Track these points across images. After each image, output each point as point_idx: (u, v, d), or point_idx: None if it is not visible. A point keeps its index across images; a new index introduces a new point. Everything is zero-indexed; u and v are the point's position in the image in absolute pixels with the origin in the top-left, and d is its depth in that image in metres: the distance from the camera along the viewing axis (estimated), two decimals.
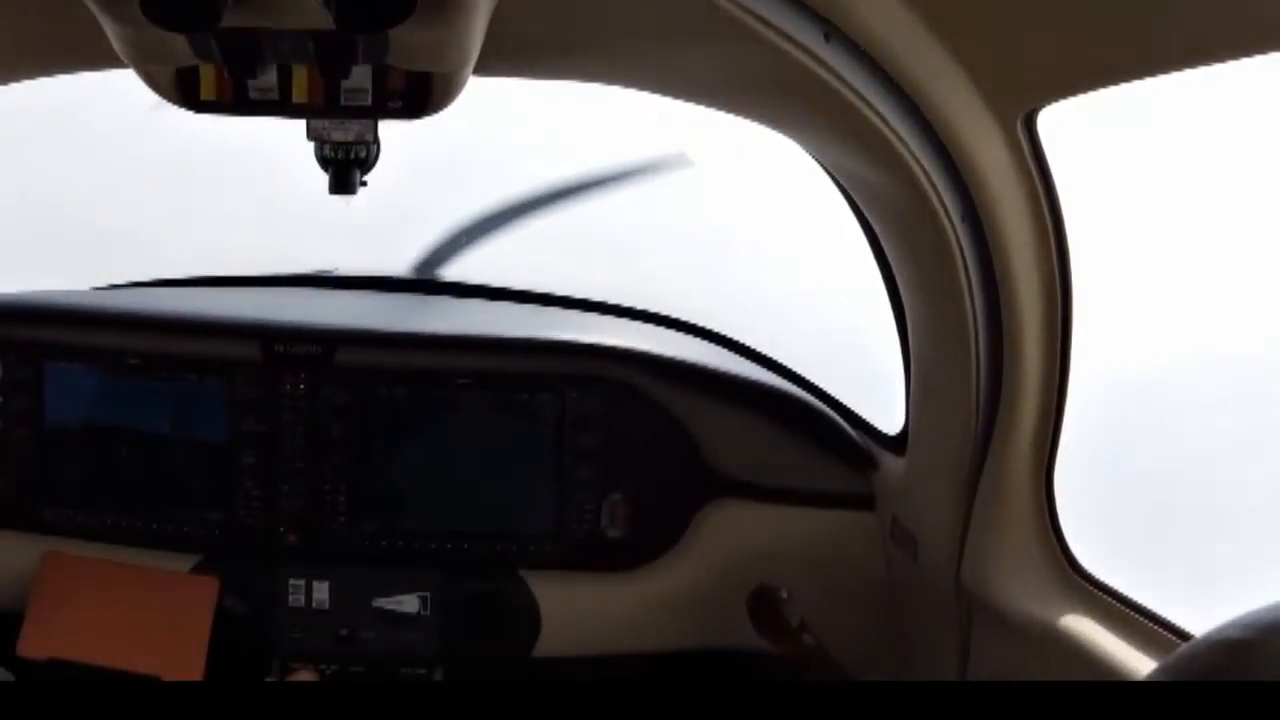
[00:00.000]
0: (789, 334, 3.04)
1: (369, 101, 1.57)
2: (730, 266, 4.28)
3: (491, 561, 2.66)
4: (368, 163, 1.95)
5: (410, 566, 2.65)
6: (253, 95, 1.55)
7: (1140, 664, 1.78)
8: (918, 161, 1.75)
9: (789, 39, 1.53)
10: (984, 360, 1.99)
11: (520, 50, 1.65)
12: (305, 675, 2.59)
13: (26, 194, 4.16)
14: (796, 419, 2.65)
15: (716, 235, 4.37)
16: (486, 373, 2.61)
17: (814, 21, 1.54)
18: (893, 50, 1.59)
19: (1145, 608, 1.90)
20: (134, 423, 2.62)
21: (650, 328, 2.89)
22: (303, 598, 2.62)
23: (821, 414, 2.65)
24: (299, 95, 1.55)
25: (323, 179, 1.97)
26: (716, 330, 2.90)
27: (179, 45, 1.35)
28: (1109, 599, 1.96)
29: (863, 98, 1.64)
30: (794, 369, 2.77)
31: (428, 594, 2.63)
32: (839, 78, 1.61)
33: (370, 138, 1.86)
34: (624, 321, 2.90)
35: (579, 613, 2.69)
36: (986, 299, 1.92)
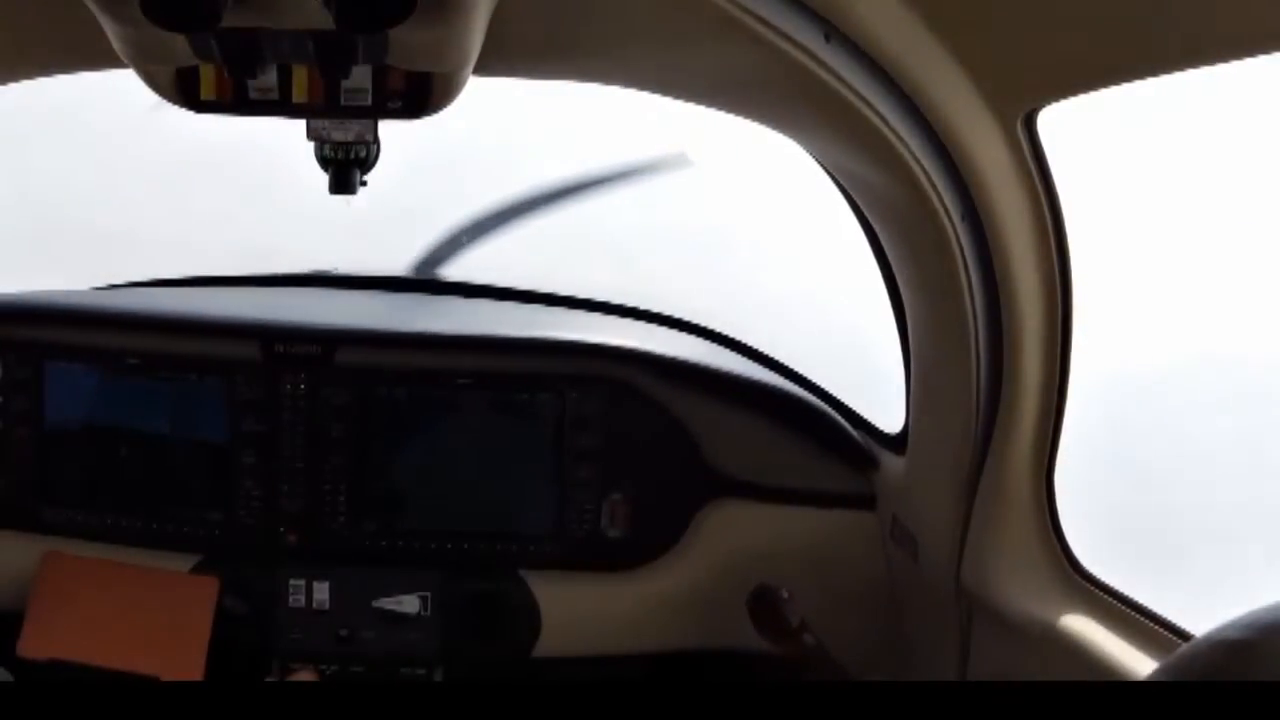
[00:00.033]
0: (789, 334, 3.04)
1: (369, 101, 1.57)
2: (730, 266, 4.28)
3: (491, 561, 2.66)
4: (368, 163, 1.95)
5: (410, 566, 2.64)
6: (253, 95, 1.55)
7: (1140, 664, 1.78)
8: (918, 161, 1.75)
9: (789, 39, 1.53)
10: (984, 360, 1.99)
11: (520, 50, 1.65)
12: (305, 675, 2.59)
13: (26, 194, 4.16)
14: (797, 418, 2.65)
15: (716, 235, 4.37)
16: (486, 373, 2.61)
17: (814, 22, 1.54)
18: (893, 50, 1.59)
19: (1146, 608, 1.90)
20: (134, 423, 2.62)
21: (650, 327, 2.88)
22: (303, 598, 2.62)
23: (822, 413, 2.65)
24: (299, 95, 1.55)
25: (323, 179, 1.97)
26: (717, 330, 2.90)
27: (179, 45, 1.35)
28: (1109, 599, 1.96)
29: (863, 98, 1.64)
30: (794, 368, 2.77)
31: (428, 594, 2.63)
32: (839, 78, 1.61)
33: (370, 138, 1.86)
34: (624, 321, 2.89)
35: (579, 613, 2.69)
36: (986, 299, 1.92)
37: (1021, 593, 2.05)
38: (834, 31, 1.56)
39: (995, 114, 1.67)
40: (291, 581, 2.62)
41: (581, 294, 2.99)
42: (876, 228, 2.15)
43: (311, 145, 1.90)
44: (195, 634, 2.53)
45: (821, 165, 2.16)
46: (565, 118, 3.56)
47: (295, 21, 1.29)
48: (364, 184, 1.99)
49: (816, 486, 2.66)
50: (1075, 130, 1.75)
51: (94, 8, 1.26)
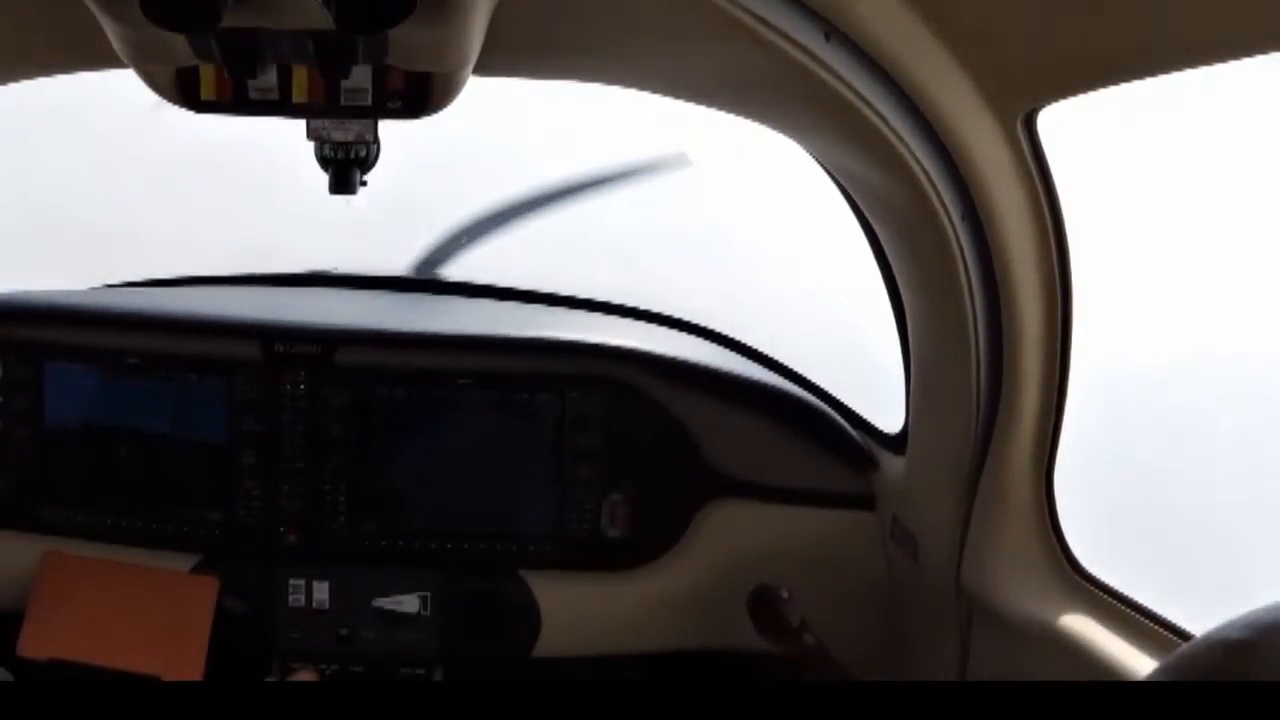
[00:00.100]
0: (789, 334, 3.04)
1: (369, 101, 1.57)
2: (730, 266, 4.28)
3: (491, 561, 2.66)
4: (368, 162, 1.95)
5: (410, 566, 2.65)
6: (253, 95, 1.55)
7: (1140, 664, 1.78)
8: (918, 161, 1.75)
9: (789, 39, 1.53)
10: (984, 360, 1.99)
11: (520, 50, 1.65)
12: (305, 675, 2.59)
13: (26, 194, 4.16)
14: (797, 419, 2.65)
15: (716, 235, 4.37)
16: (486, 372, 2.61)
17: (814, 22, 1.54)
18: (893, 50, 1.59)
19: (1145, 608, 1.90)
20: (134, 423, 2.62)
21: (650, 327, 2.89)
22: (303, 598, 2.62)
23: (822, 413, 2.65)
24: (299, 95, 1.55)
25: (323, 179, 1.97)
26: (717, 330, 2.90)
27: (179, 45, 1.35)
28: (1109, 599, 1.96)
29: (863, 98, 1.64)
30: (794, 369, 2.77)
31: (428, 594, 2.63)
32: (839, 78, 1.61)
33: (370, 137, 1.86)
34: (624, 321, 2.90)
35: (579, 613, 2.69)
36: (986, 299, 1.92)
37: (1021, 593, 2.05)
38: (834, 31, 1.56)
39: (995, 114, 1.67)
40: (291, 581, 2.62)
41: (581, 294, 2.99)
42: (876, 228, 2.15)
43: (311, 145, 1.90)
44: (195, 634, 2.53)
45: (821, 165, 2.16)
46: (565, 118, 3.56)
47: (295, 21, 1.29)
48: (364, 184, 1.99)
49: (816, 486, 2.66)
50: (1075, 130, 1.75)
51: (94, 8, 1.26)
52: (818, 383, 2.72)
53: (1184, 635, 1.80)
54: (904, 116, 1.69)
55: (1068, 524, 2.08)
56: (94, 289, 2.91)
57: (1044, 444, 2.01)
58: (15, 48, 1.68)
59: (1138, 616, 1.89)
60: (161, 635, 2.53)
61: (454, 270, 3.19)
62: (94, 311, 2.64)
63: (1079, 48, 1.47)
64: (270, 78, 1.53)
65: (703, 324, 2.91)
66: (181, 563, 2.62)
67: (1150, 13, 1.35)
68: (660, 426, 2.65)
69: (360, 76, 1.54)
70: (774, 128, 1.96)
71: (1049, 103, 1.63)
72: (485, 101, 1.86)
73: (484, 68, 1.58)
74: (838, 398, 2.69)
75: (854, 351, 2.96)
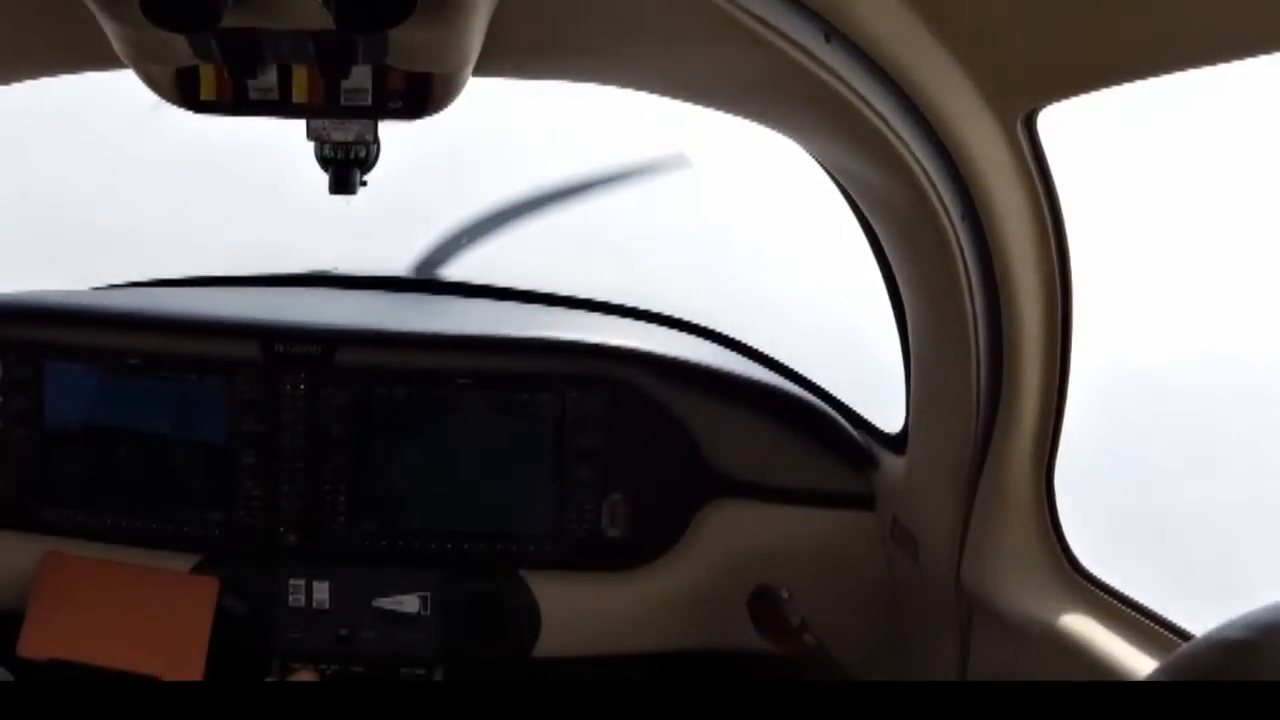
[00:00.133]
0: (789, 334, 3.04)
1: (369, 101, 1.57)
2: (730, 266, 4.29)
3: (491, 561, 2.66)
4: (368, 162, 1.95)
5: (410, 566, 2.64)
6: (253, 95, 1.55)
7: (1141, 664, 1.78)
8: (918, 161, 1.75)
9: (789, 40, 1.53)
10: (984, 360, 1.99)
11: (520, 50, 1.65)
12: (305, 675, 2.59)
13: (26, 194, 4.16)
14: (797, 418, 2.65)
15: (716, 235, 4.37)
16: (486, 373, 2.61)
17: (814, 22, 1.54)
18: (893, 50, 1.59)
19: (1146, 607, 1.90)
20: (134, 423, 2.62)
21: (651, 328, 2.88)
22: (303, 598, 2.62)
23: (822, 413, 2.65)
24: (299, 95, 1.55)
25: (323, 179, 1.96)
26: (717, 330, 2.90)
27: (179, 45, 1.35)
28: (1109, 599, 1.96)
29: (863, 98, 1.64)
30: (794, 368, 2.77)
31: (428, 594, 2.63)
32: (839, 78, 1.60)
33: (370, 137, 1.86)
34: (624, 321, 2.90)
35: (579, 613, 2.69)
36: (986, 299, 1.92)
37: (1021, 593, 2.05)
38: (834, 32, 1.56)
39: (995, 114, 1.67)
40: (291, 581, 2.62)
41: (581, 294, 2.99)
42: (876, 228, 2.15)
43: (311, 145, 1.90)
44: (195, 634, 2.53)
45: (821, 165, 2.16)
46: (565, 118, 3.56)
47: (295, 21, 1.29)
48: (364, 184, 1.98)
49: (816, 486, 2.66)
50: (1075, 130, 1.75)
51: (94, 8, 1.26)
52: (818, 383, 2.72)
53: (1184, 635, 1.80)
54: (904, 117, 1.69)
55: (1067, 523, 2.08)
56: (94, 289, 2.90)
57: (1044, 444, 2.01)
58: (16, 48, 1.68)
59: (1138, 616, 1.89)
60: (161, 635, 2.53)
61: (454, 270, 3.19)
62: (94, 311, 2.64)
63: (1079, 48, 1.47)
64: (270, 78, 1.53)
65: (703, 324, 2.91)
66: (181, 563, 2.62)
67: (1150, 13, 1.35)
68: (660, 426, 2.65)
69: (360, 77, 1.54)
70: (774, 128, 1.96)
71: (1049, 103, 1.63)
72: (485, 101, 1.86)
73: (484, 68, 1.58)
74: (838, 398, 2.69)
75: (854, 351, 2.96)
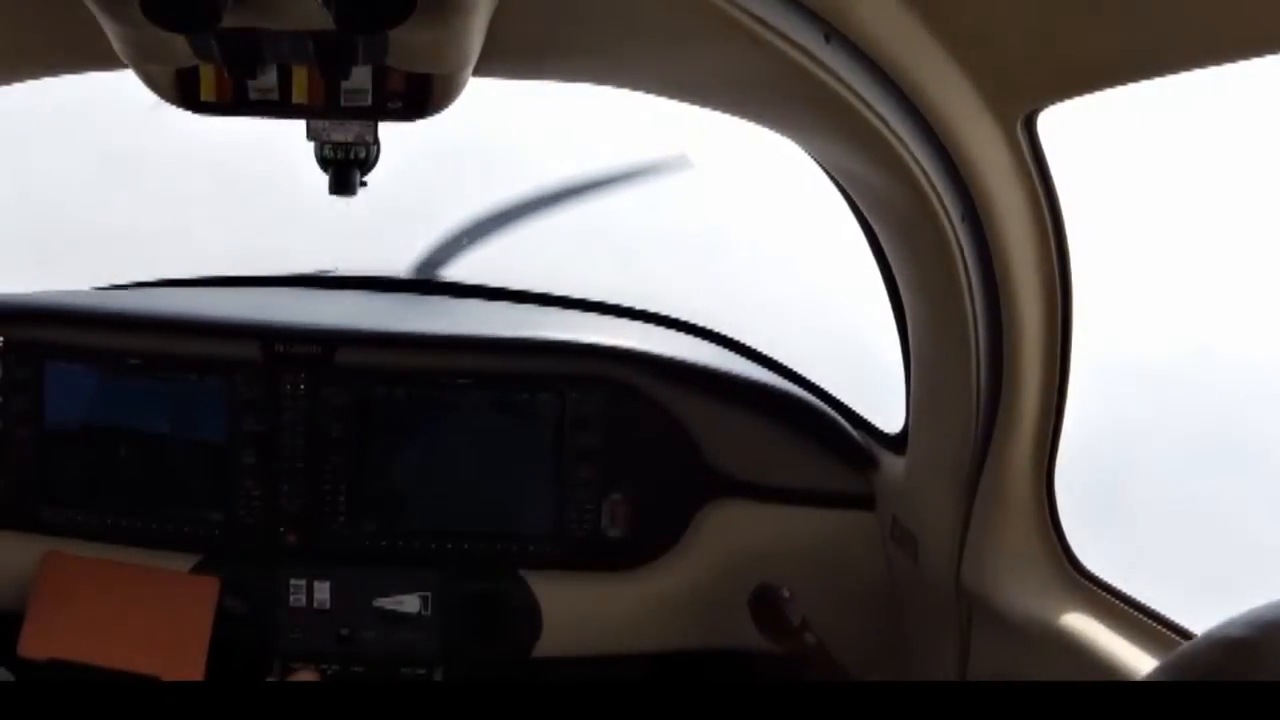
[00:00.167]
0: (789, 334, 3.05)
1: (369, 102, 1.57)
2: (730, 266, 4.29)
3: (492, 561, 2.66)
4: (367, 163, 1.95)
5: (410, 566, 2.64)
6: (253, 96, 1.55)
7: (1141, 663, 1.78)
8: (918, 162, 1.75)
9: (789, 41, 1.53)
10: (984, 360, 1.99)
11: (520, 51, 1.65)
12: (305, 675, 2.59)
13: (26, 194, 4.16)
14: (797, 419, 2.65)
15: (716, 235, 4.37)
16: (486, 373, 2.61)
17: (814, 23, 1.54)
18: (893, 51, 1.59)
19: (1146, 606, 1.90)
20: (134, 423, 2.62)
21: (650, 328, 2.88)
22: (303, 598, 2.62)
23: (822, 413, 2.65)
24: (299, 96, 1.55)
25: (323, 179, 1.97)
26: (716, 330, 2.90)
27: (179, 45, 1.35)
28: (1109, 598, 1.96)
29: (863, 99, 1.64)
30: (794, 369, 2.77)
31: (428, 594, 2.63)
32: (839, 79, 1.60)
33: (370, 138, 1.86)
34: (624, 322, 2.90)
35: (579, 613, 2.69)
36: (986, 299, 1.92)
37: (1021, 592, 2.05)
38: (834, 32, 1.56)
39: (995, 114, 1.67)
40: (292, 581, 2.62)
41: (581, 294, 2.99)
42: (876, 228, 2.15)
43: (311, 146, 1.90)
44: (195, 634, 2.53)
45: (821, 166, 2.16)
46: (565, 118, 3.56)
47: (295, 22, 1.29)
48: (364, 184, 1.99)
49: (816, 486, 2.66)
50: (1075, 130, 1.75)
51: (94, 8, 1.26)
52: (818, 383, 2.72)
53: (1185, 634, 1.80)
54: (904, 117, 1.69)
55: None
56: (94, 289, 2.90)
57: (1044, 444, 2.01)
58: (16, 48, 1.68)
59: (1138, 615, 1.89)
60: (162, 635, 2.53)
61: (454, 271, 3.20)
62: (94, 311, 2.64)
63: (1079, 49, 1.47)
64: (270, 78, 1.53)
65: (703, 324, 2.91)
66: (182, 563, 2.62)
67: (1150, 14, 1.35)
68: (660, 426, 2.65)
69: (360, 77, 1.54)
70: (774, 129, 1.96)
71: (1049, 104, 1.63)
72: (485, 101, 1.86)
73: (484, 68, 1.58)
74: (838, 398, 2.70)
75: (854, 351, 2.96)
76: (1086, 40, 1.45)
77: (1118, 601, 1.95)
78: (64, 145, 4.19)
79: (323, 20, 1.23)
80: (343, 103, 1.57)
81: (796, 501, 2.67)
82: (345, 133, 1.83)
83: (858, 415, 2.65)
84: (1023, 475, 2.04)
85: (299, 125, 1.77)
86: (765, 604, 2.42)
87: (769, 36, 1.52)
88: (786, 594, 2.40)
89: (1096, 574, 2.03)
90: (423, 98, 1.57)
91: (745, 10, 1.48)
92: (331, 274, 3.06)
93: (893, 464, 2.49)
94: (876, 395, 2.63)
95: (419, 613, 2.63)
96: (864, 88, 1.63)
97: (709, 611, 2.68)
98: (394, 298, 3.01)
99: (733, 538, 2.69)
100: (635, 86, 1.85)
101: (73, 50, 1.66)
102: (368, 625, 2.62)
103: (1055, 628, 1.95)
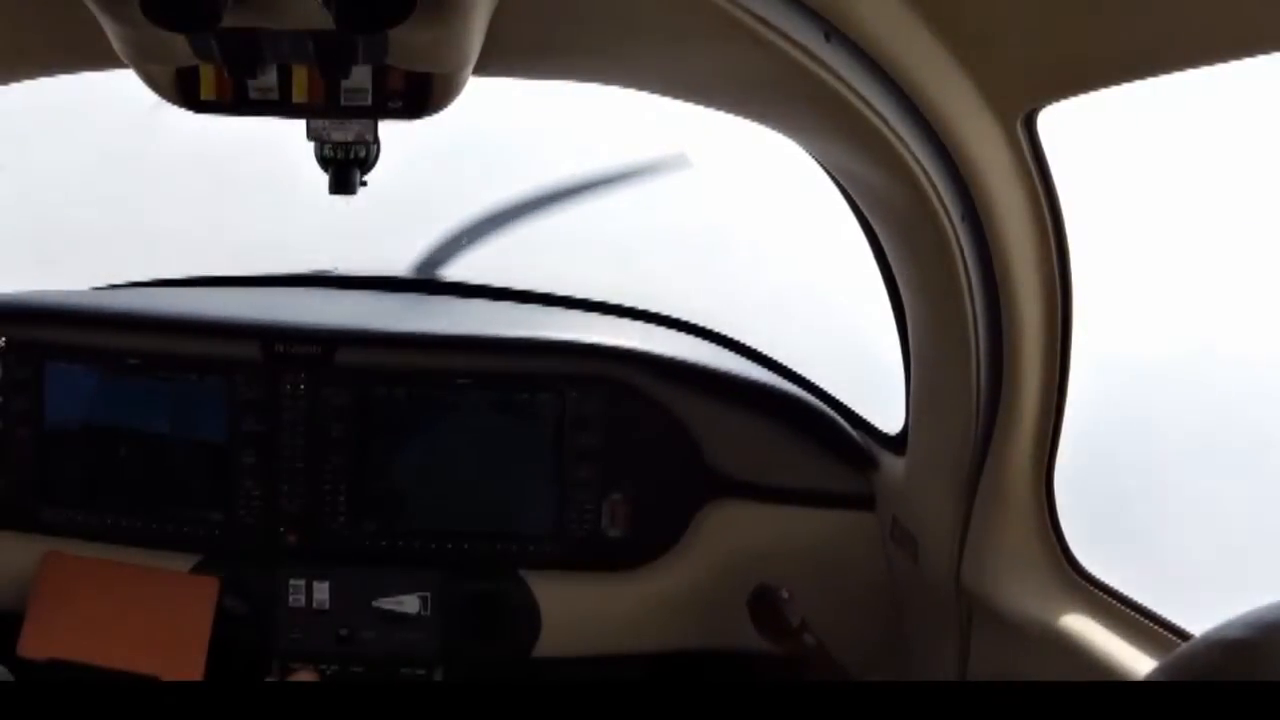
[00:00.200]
0: (789, 334, 3.04)
1: (369, 101, 1.57)
2: (730, 266, 4.29)
3: (491, 561, 2.66)
4: (368, 162, 1.95)
5: (410, 566, 2.64)
6: (253, 95, 1.55)
7: (1140, 664, 1.78)
8: (918, 162, 1.75)
9: (789, 39, 1.53)
10: (984, 360, 1.99)
11: (520, 50, 1.65)
12: (305, 675, 2.59)
13: (26, 194, 4.16)
14: (797, 419, 2.65)
15: (716, 235, 4.37)
16: (486, 373, 2.61)
17: (814, 22, 1.54)
18: (893, 50, 1.59)
19: (1145, 607, 1.90)
20: (134, 423, 2.62)
21: (650, 328, 2.88)
22: (303, 598, 2.62)
23: (822, 414, 2.65)
24: (299, 95, 1.55)
25: (323, 178, 1.96)
26: (716, 330, 2.90)
27: (179, 45, 1.35)
28: (1109, 599, 1.97)
29: (863, 98, 1.64)
30: (794, 369, 2.77)
31: (428, 594, 2.63)
32: (839, 78, 1.60)
33: (370, 137, 1.86)
34: (624, 321, 2.89)
35: (579, 613, 2.69)
36: (986, 299, 1.92)
37: (1021, 593, 2.05)
38: (834, 31, 1.56)
39: (995, 114, 1.67)
40: (291, 581, 2.62)
41: (581, 294, 2.99)
42: (876, 228, 2.15)
43: (311, 145, 1.90)
44: (195, 634, 2.53)
45: (821, 165, 2.16)
46: (565, 117, 3.56)
47: (295, 21, 1.29)
48: (364, 184, 1.98)
49: (816, 486, 2.66)
50: (1075, 130, 1.75)
51: (94, 8, 1.26)
52: (818, 383, 2.72)
53: (1184, 635, 1.80)
54: (904, 117, 1.69)
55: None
56: (94, 289, 2.90)
57: (1044, 444, 2.01)
58: (15, 48, 1.68)
59: (1138, 616, 1.89)
60: (161, 635, 2.53)
61: (454, 270, 3.20)
62: (94, 311, 2.64)
63: (1079, 48, 1.47)
64: (270, 78, 1.53)
65: (703, 324, 2.91)
66: (181, 563, 2.62)
67: (1150, 13, 1.35)
68: (660, 426, 2.65)
69: (360, 76, 1.54)
70: (774, 128, 1.96)
71: (1049, 103, 1.63)
72: (486, 101, 1.86)
73: (484, 68, 1.58)
74: (838, 398, 2.69)
75: (854, 351, 2.96)
76: (1086, 40, 1.45)
77: (1117, 602, 1.95)
78: (64, 145, 4.19)
79: (323, 20, 1.23)
80: (343, 102, 1.57)
81: (796, 502, 2.67)
82: (345, 132, 1.83)
83: (857, 415, 2.65)
84: (1023, 475, 2.04)
85: (299, 125, 1.77)
86: (764, 605, 2.42)
87: (769, 35, 1.52)
88: (785, 595, 2.40)
89: (1095, 574, 2.03)
90: (423, 97, 1.57)
91: (745, 9, 1.48)
92: (331, 274, 3.06)
93: (893, 464, 2.49)
94: (876, 395, 2.63)
95: (419, 613, 2.63)
96: (864, 87, 1.63)
97: (709, 612, 2.68)
98: (394, 297, 3.01)
99: (733, 538, 2.69)
100: (635, 86, 1.85)
101: (73, 50, 1.66)
102: (367, 625, 2.61)
103: (1055, 628, 1.95)
